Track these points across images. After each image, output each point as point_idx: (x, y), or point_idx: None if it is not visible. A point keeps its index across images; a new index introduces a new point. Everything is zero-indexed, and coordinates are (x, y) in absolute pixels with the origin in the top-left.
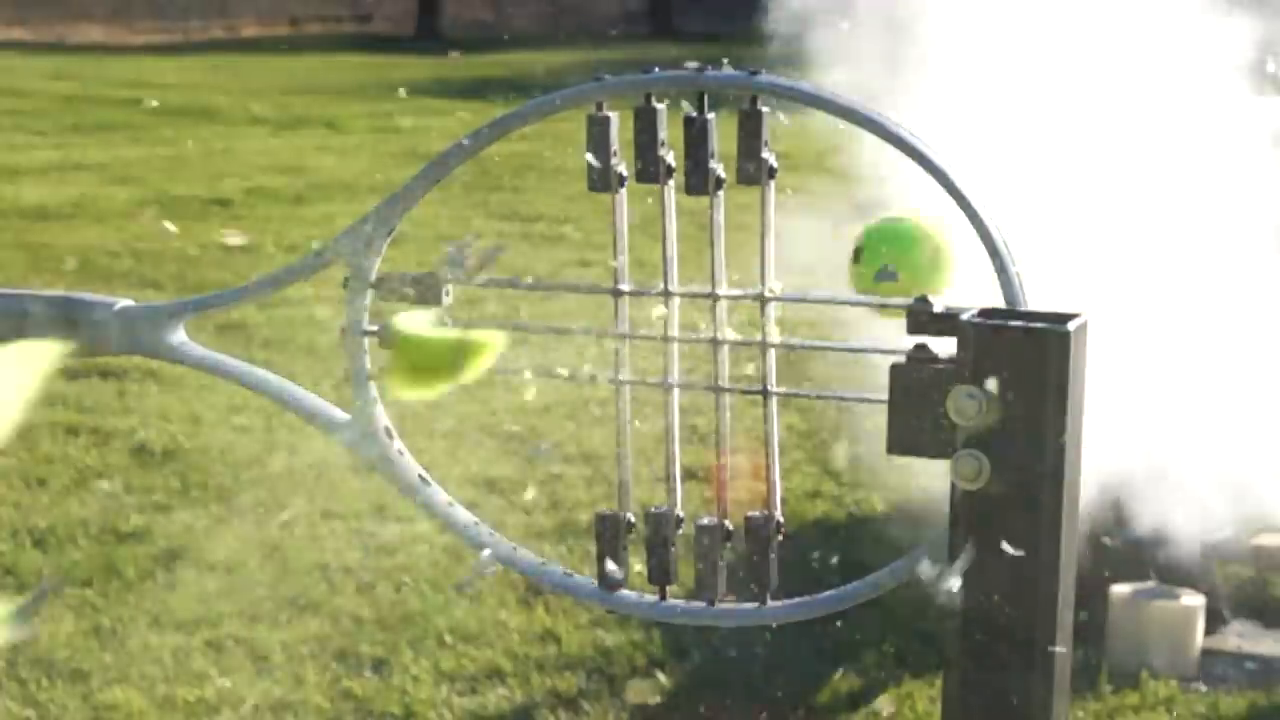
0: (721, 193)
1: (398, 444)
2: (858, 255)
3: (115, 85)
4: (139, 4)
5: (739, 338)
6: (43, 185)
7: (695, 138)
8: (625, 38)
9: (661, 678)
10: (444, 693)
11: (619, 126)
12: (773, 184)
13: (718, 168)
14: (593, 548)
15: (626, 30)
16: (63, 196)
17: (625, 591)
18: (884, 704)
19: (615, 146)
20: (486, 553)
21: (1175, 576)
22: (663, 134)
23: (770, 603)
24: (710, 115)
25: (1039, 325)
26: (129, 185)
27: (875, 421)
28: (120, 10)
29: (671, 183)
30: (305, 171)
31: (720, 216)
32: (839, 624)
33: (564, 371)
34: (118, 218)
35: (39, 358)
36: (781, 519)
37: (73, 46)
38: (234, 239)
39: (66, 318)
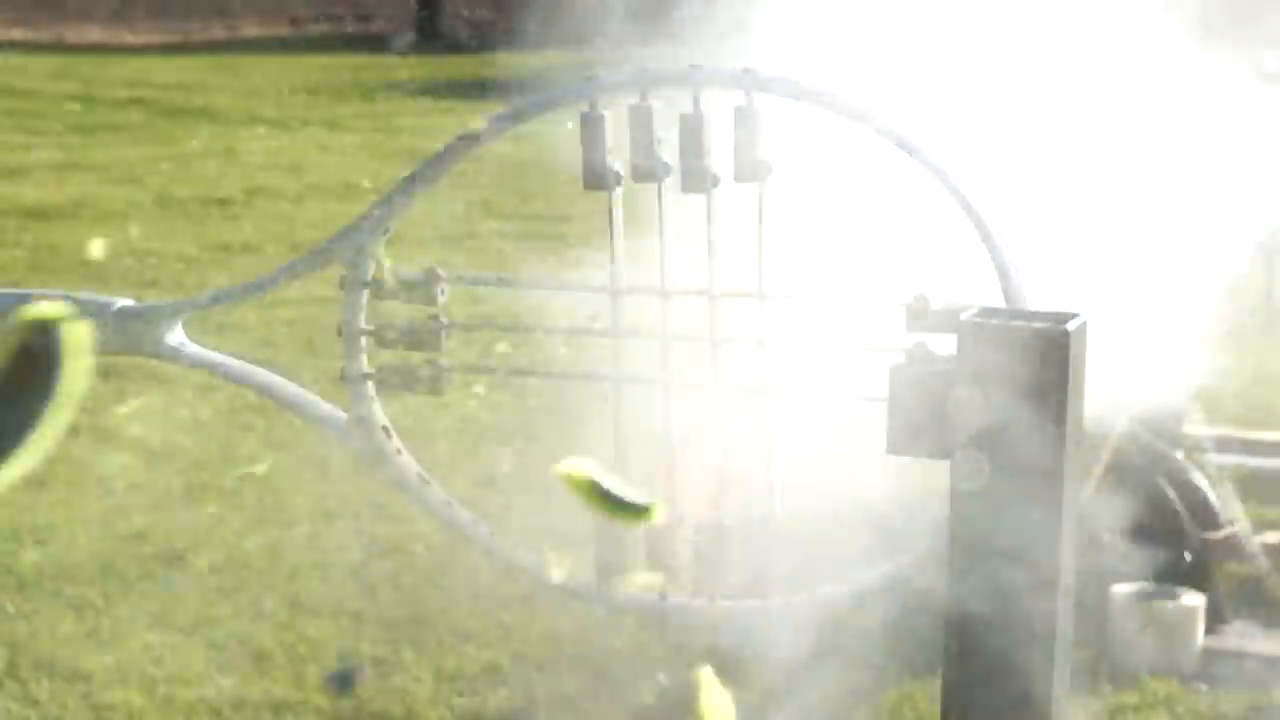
0: (717, 190)
1: (395, 443)
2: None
3: (116, 85)
4: (139, 4)
5: (736, 336)
6: (43, 185)
7: (689, 135)
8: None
9: (662, 678)
10: (444, 693)
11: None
12: (769, 181)
13: (713, 165)
14: (592, 548)
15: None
16: (63, 196)
17: (627, 591)
18: (885, 703)
19: (610, 144)
20: None
21: (1175, 576)
22: (658, 132)
23: (771, 599)
24: (705, 113)
25: (1038, 325)
26: (129, 185)
27: (876, 420)
28: (121, 10)
29: (668, 180)
30: (306, 171)
31: (716, 214)
32: (839, 621)
33: (562, 370)
34: (118, 218)
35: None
36: (782, 516)
37: (73, 46)
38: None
39: None
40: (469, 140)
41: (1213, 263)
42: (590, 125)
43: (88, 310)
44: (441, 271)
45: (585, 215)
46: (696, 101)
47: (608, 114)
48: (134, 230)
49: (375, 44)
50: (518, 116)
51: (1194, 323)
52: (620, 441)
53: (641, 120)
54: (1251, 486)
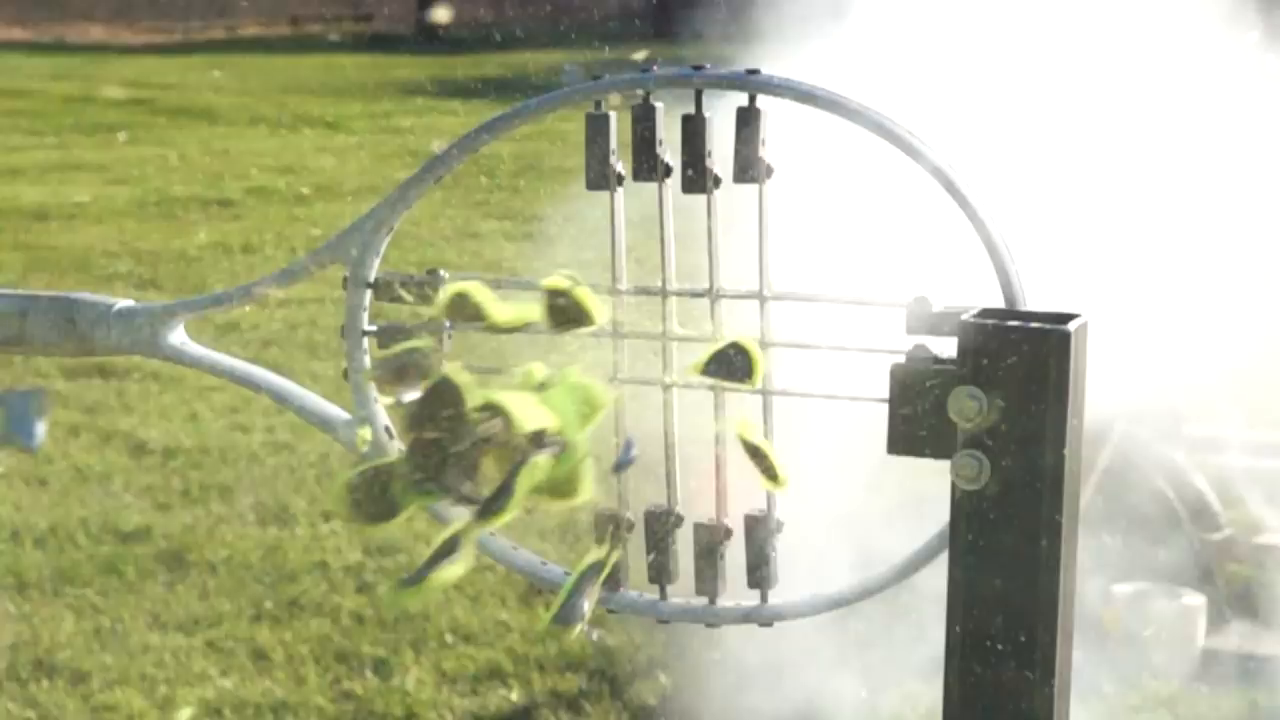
0: (718, 191)
1: (398, 444)
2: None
3: (116, 85)
4: (139, 4)
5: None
6: (42, 185)
7: (691, 136)
8: (625, 37)
9: (662, 678)
10: (445, 693)
11: (617, 125)
12: (770, 183)
13: (715, 166)
14: (593, 547)
15: (626, 30)
16: (62, 197)
17: (625, 591)
18: (885, 704)
19: (613, 145)
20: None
21: (1176, 576)
22: (661, 133)
23: (771, 601)
24: (707, 114)
25: (1039, 325)
26: (129, 185)
27: (875, 421)
28: (120, 10)
29: (669, 181)
30: (305, 171)
31: (717, 215)
32: (840, 623)
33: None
34: (118, 218)
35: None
36: (782, 518)
37: (73, 46)
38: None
39: (65, 318)
40: (473, 139)
41: (1213, 263)
42: (594, 125)
43: (87, 310)
44: (444, 272)
45: (585, 216)
46: (699, 102)
47: (613, 114)
48: (134, 230)
49: (375, 44)
50: (522, 116)
51: (1195, 322)
52: (620, 442)
53: (645, 121)
54: (1252, 487)
